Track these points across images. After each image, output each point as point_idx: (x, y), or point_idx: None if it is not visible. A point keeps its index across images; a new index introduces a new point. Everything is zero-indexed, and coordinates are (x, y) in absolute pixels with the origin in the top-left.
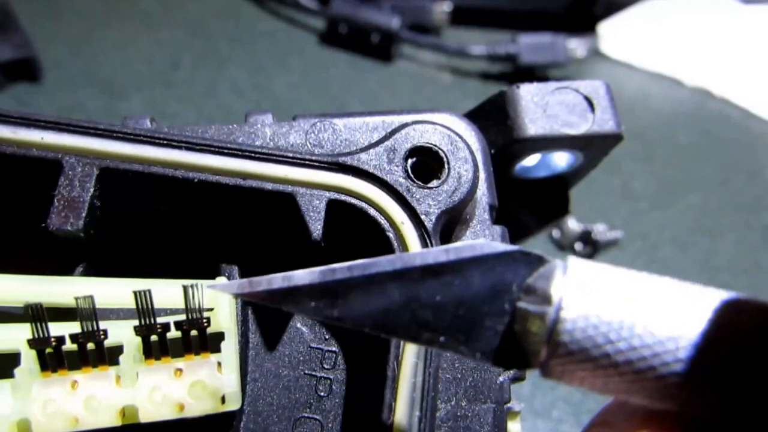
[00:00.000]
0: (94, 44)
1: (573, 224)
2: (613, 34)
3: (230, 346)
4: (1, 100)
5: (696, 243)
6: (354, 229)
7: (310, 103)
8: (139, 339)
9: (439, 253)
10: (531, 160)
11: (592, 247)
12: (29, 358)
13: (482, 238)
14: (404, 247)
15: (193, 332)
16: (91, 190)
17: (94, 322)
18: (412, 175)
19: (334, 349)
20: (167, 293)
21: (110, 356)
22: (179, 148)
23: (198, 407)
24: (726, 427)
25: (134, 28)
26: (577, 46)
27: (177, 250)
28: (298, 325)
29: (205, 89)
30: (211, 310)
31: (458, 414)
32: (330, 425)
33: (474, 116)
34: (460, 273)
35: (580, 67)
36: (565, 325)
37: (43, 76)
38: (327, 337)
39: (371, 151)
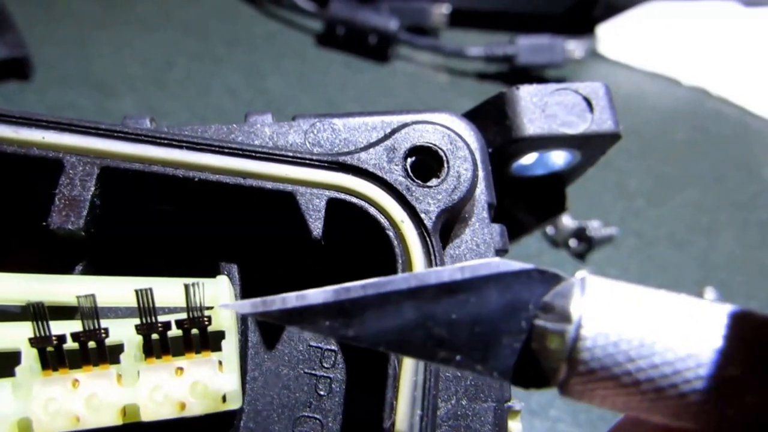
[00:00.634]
0: (88, 45)
1: (567, 221)
2: (612, 35)
3: (231, 345)
4: None
5: (692, 240)
6: (354, 228)
7: (305, 103)
8: (140, 337)
9: (454, 272)
10: (528, 159)
11: (586, 244)
12: (30, 356)
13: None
14: (404, 245)
15: (194, 331)
16: (92, 189)
17: (96, 321)
18: (411, 174)
19: (333, 347)
20: (168, 292)
21: (111, 355)
22: (180, 147)
23: (199, 406)
24: None
25: (130, 29)
26: (574, 47)
27: (177, 248)
28: None
29: (199, 89)
30: (211, 308)
31: (459, 413)
32: (330, 424)
33: (472, 116)
34: (476, 291)
35: (577, 67)
36: (586, 343)
37: (34, 74)
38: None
39: (371, 150)
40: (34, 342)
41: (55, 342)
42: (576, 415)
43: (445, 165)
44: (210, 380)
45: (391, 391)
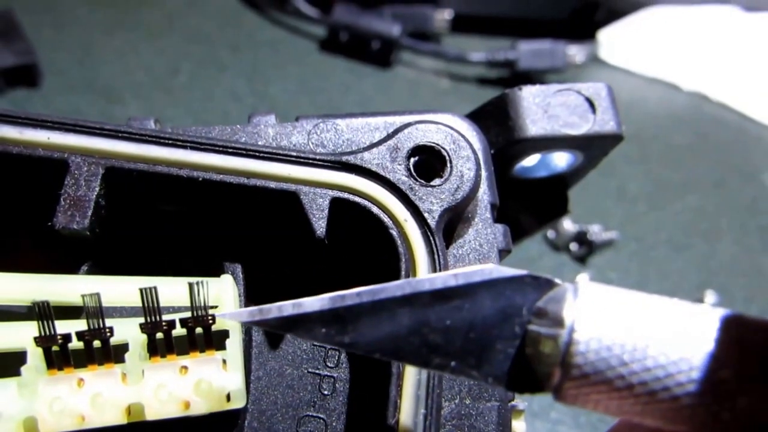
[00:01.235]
0: (95, 52)
1: (568, 225)
2: (613, 40)
3: (235, 344)
4: None
5: (692, 245)
6: (357, 227)
7: (308, 108)
8: (144, 337)
9: (448, 278)
10: (530, 160)
11: (587, 248)
12: (36, 356)
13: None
14: (408, 244)
15: (198, 330)
16: (97, 189)
17: (101, 320)
18: (414, 174)
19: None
20: (172, 291)
21: (116, 354)
22: (184, 147)
23: (203, 405)
24: None
25: (136, 37)
26: (576, 52)
27: (181, 248)
28: None
29: (203, 95)
30: (215, 307)
31: (463, 412)
32: (334, 424)
33: (475, 117)
34: (470, 297)
35: (578, 72)
36: (579, 347)
37: (42, 81)
38: None
39: (374, 150)
40: (39, 341)
41: (60, 341)
42: (577, 417)
43: (448, 164)
44: (214, 379)
45: (394, 390)
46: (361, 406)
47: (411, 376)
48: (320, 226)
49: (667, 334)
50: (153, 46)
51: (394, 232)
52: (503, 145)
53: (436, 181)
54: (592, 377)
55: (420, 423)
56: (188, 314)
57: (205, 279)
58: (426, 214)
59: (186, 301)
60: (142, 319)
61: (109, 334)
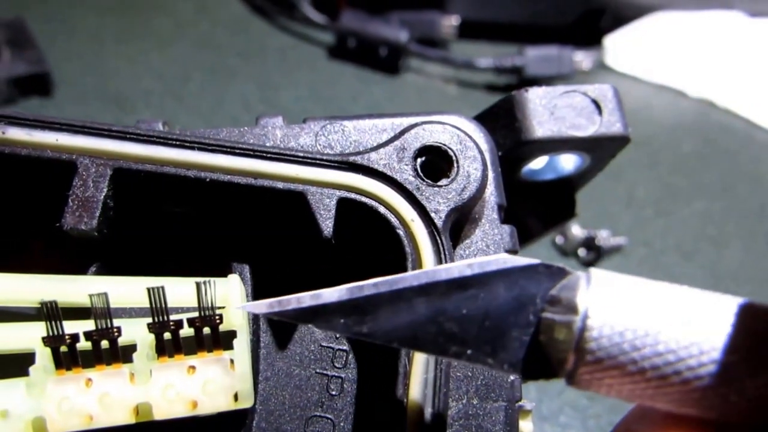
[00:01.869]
0: (106, 60)
1: (577, 230)
2: (619, 46)
3: (242, 344)
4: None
5: (701, 250)
6: (364, 227)
7: (316, 114)
8: (152, 337)
9: (463, 268)
10: (538, 163)
11: (595, 253)
12: (44, 356)
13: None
14: (414, 244)
15: (206, 330)
16: (105, 190)
17: (108, 320)
18: (421, 174)
19: (345, 347)
20: (179, 291)
21: (124, 354)
22: (191, 148)
23: (211, 404)
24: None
25: (146, 45)
26: (582, 58)
27: (189, 249)
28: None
29: (214, 102)
30: (222, 307)
31: (470, 412)
32: (342, 424)
33: (482, 119)
34: (485, 286)
35: (585, 79)
36: (592, 333)
37: (54, 90)
38: (338, 335)
39: (381, 150)
40: (47, 341)
41: (68, 341)
42: (585, 421)
43: (455, 164)
44: (222, 378)
45: (401, 389)
46: (368, 406)
47: (418, 375)
48: (327, 226)
49: (677, 319)
50: (164, 54)
51: (400, 232)
52: (510, 147)
53: (443, 181)
54: (605, 362)
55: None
56: (196, 314)
57: (212, 279)
58: (433, 214)
59: (193, 302)
60: (149, 319)
61: (117, 333)
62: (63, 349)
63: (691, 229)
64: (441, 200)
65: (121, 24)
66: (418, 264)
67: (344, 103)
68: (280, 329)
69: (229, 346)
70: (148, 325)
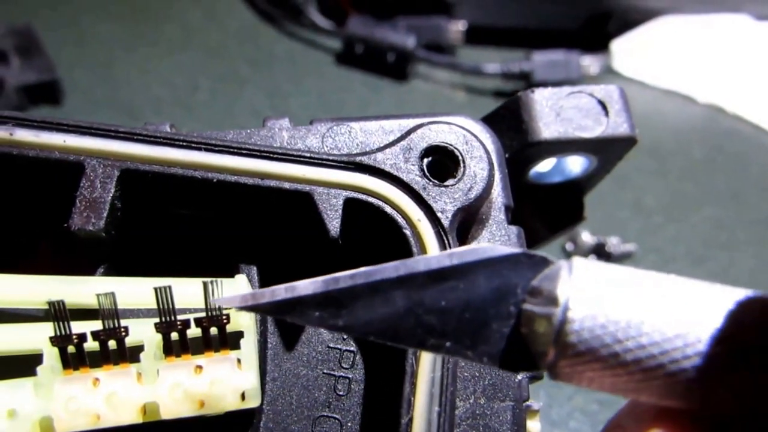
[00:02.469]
0: (115, 69)
1: (586, 237)
2: (626, 51)
3: (250, 343)
4: None
5: (711, 256)
6: (371, 227)
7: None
8: (159, 336)
9: (442, 258)
10: (545, 166)
11: (605, 260)
12: (51, 356)
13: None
14: (421, 243)
15: (213, 329)
16: (112, 191)
17: (116, 319)
18: (428, 174)
19: (352, 348)
20: (187, 291)
21: (131, 354)
22: (198, 149)
23: (218, 404)
24: (736, 423)
25: (155, 53)
26: (590, 63)
27: (196, 250)
28: None
29: (223, 110)
30: (230, 308)
31: (477, 412)
32: (349, 424)
33: (488, 121)
34: (465, 277)
35: (592, 83)
36: (573, 326)
37: (64, 99)
38: (345, 336)
39: (387, 150)
40: (55, 341)
41: (75, 341)
42: (595, 426)
43: (461, 164)
44: (229, 378)
45: (408, 387)
46: (376, 407)
47: (425, 374)
48: (334, 226)
49: (661, 310)
50: (173, 62)
51: (407, 232)
52: (517, 149)
53: (450, 182)
54: (586, 355)
55: (434, 420)
56: (203, 314)
57: (219, 279)
58: (439, 214)
59: (201, 302)
60: (157, 320)
61: (124, 333)
62: (70, 349)
63: (701, 235)
64: (447, 200)
65: (130, 32)
66: None
67: (352, 109)
68: (288, 330)
69: (236, 346)
70: (156, 324)
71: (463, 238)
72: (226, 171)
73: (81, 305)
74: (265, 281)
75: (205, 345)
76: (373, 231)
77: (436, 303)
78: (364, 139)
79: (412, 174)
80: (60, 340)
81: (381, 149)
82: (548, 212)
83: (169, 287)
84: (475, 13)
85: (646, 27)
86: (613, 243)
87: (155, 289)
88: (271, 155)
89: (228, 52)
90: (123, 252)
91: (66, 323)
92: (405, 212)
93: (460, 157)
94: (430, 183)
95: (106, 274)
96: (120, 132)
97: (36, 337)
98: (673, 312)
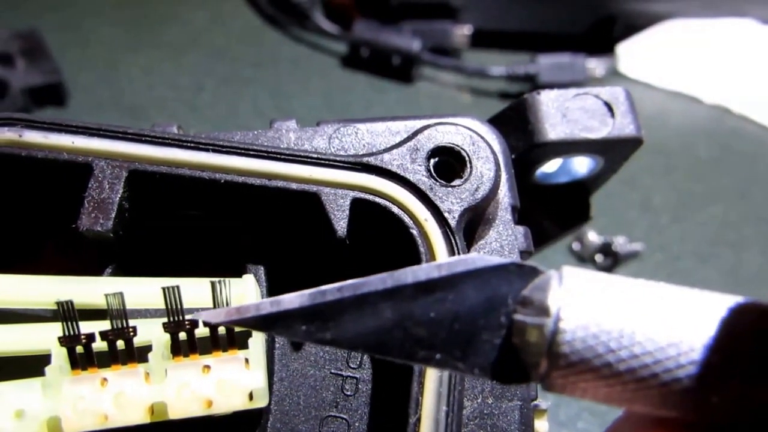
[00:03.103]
0: (120, 71)
1: (593, 236)
2: (632, 54)
3: (258, 343)
4: None
5: (718, 255)
6: (378, 227)
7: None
8: (167, 336)
9: (431, 269)
10: (551, 166)
11: (612, 260)
12: (60, 356)
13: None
14: (428, 244)
15: (221, 329)
16: (120, 191)
17: (124, 320)
18: (434, 174)
19: None
20: (195, 291)
21: (139, 354)
22: (206, 150)
23: (226, 403)
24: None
25: (160, 54)
26: (595, 66)
27: (204, 251)
28: None
29: (227, 111)
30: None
31: (485, 411)
32: (357, 424)
33: (495, 123)
34: (454, 288)
35: (598, 86)
36: (565, 336)
37: (69, 100)
38: None
39: (394, 151)
40: (63, 341)
41: (84, 341)
42: (604, 427)
43: (468, 165)
44: (237, 377)
45: (416, 387)
46: (383, 406)
47: (433, 374)
48: (341, 226)
49: (654, 319)
50: (177, 64)
51: (414, 232)
52: (523, 150)
53: (456, 182)
54: (579, 366)
55: (442, 420)
56: None
57: (227, 279)
58: (446, 214)
59: (209, 302)
60: (165, 319)
61: (132, 333)
62: (79, 349)
63: (708, 234)
64: (454, 200)
65: (134, 35)
66: None
67: (357, 111)
68: None
69: (244, 346)
70: (164, 324)
71: (470, 238)
72: (234, 172)
73: (89, 305)
74: (272, 281)
75: (213, 345)
76: (380, 231)
77: (425, 315)
78: (370, 140)
79: (418, 174)
80: (68, 341)
81: (388, 150)
82: (555, 212)
83: (178, 287)
84: (481, 17)
85: (651, 31)
86: (620, 242)
87: (163, 289)
88: (279, 156)
89: (233, 54)
90: (130, 252)
91: (74, 323)
92: (412, 212)
93: (467, 158)
94: (437, 183)
95: (114, 274)
96: (128, 133)
97: (44, 337)
98: (665, 321)
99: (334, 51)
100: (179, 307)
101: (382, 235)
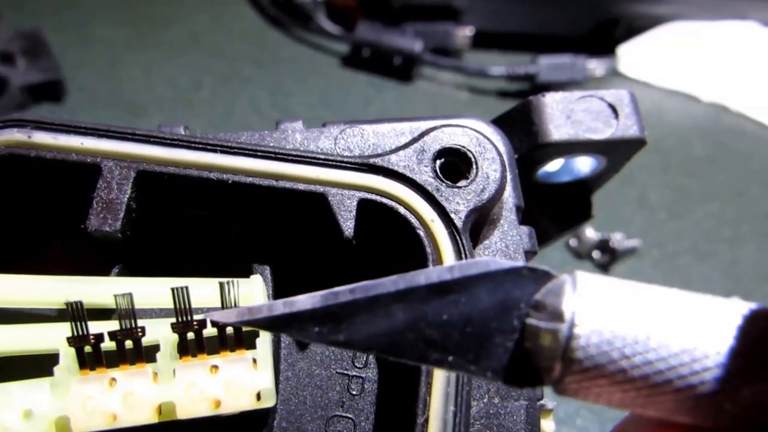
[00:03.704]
0: (119, 68)
1: (590, 233)
2: (632, 55)
3: (265, 343)
4: None
5: (715, 251)
6: (385, 228)
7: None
8: (175, 336)
9: (444, 271)
10: (554, 165)
11: (609, 256)
12: (68, 356)
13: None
14: (435, 244)
15: (229, 329)
16: (129, 192)
17: (133, 320)
18: (441, 175)
19: None
20: (203, 291)
21: (147, 354)
22: (214, 151)
23: (234, 403)
24: None
25: (159, 53)
26: (595, 65)
27: (211, 251)
28: None
29: (225, 108)
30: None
31: (491, 411)
32: (363, 423)
33: (499, 123)
34: (467, 291)
35: (598, 85)
36: (579, 342)
37: (66, 97)
38: None
39: (401, 152)
40: (72, 341)
41: (92, 341)
42: (602, 423)
43: (474, 166)
44: (244, 378)
45: (424, 387)
46: (389, 406)
47: (440, 374)
48: (348, 227)
49: (668, 325)
50: (177, 63)
51: (421, 233)
52: (527, 150)
53: (462, 183)
54: (593, 371)
55: (449, 420)
56: None
57: (235, 279)
58: (453, 215)
59: (217, 302)
60: (173, 319)
61: (140, 333)
62: (87, 349)
63: (705, 231)
64: (461, 201)
65: (135, 35)
66: (438, 264)
67: (355, 108)
68: None
69: (251, 346)
70: (172, 324)
71: (475, 238)
72: (241, 172)
73: (97, 305)
74: (279, 281)
75: (220, 345)
76: (387, 232)
77: (437, 317)
78: (376, 141)
79: (425, 175)
80: (77, 341)
81: (394, 151)
82: (556, 211)
83: (186, 287)
84: (484, 19)
85: (653, 33)
86: (617, 238)
87: (172, 289)
88: (286, 157)
89: (233, 54)
90: (138, 252)
91: (83, 323)
92: (418, 213)
93: (473, 159)
94: (443, 184)
95: (122, 274)
96: (136, 134)
97: (52, 337)
98: (679, 327)
99: (335, 51)
100: (188, 307)
101: (388, 236)
